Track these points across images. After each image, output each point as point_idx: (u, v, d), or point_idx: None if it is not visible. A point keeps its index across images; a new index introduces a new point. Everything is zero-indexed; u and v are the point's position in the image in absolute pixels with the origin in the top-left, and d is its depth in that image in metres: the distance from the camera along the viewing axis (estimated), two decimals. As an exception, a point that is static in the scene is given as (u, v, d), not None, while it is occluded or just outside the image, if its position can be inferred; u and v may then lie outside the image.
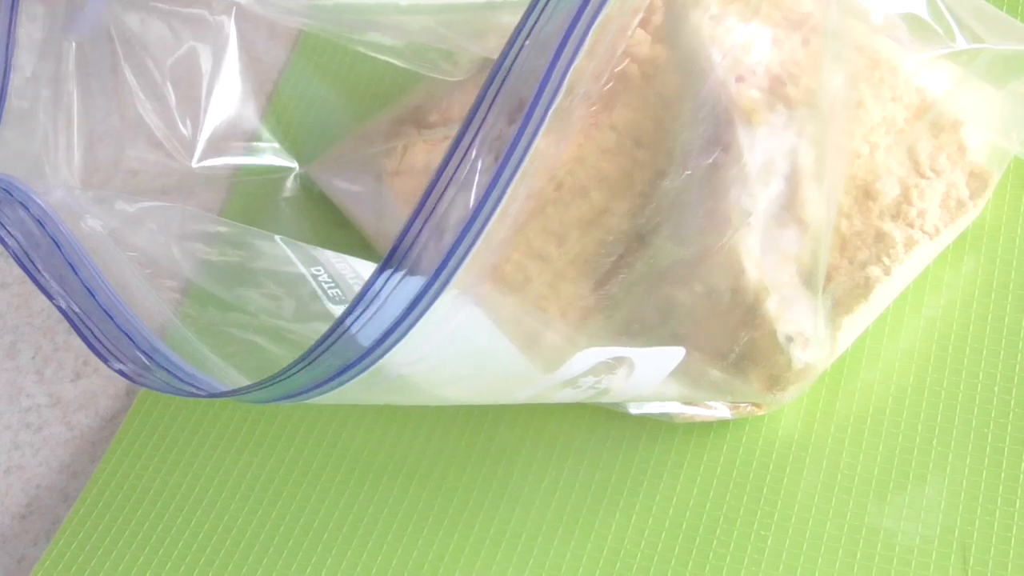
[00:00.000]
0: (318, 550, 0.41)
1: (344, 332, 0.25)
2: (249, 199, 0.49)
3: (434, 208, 0.25)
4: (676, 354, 0.35)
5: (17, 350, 0.49)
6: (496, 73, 0.25)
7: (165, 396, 0.46)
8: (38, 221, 0.32)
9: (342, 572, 0.40)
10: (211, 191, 0.48)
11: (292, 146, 0.50)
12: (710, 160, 0.34)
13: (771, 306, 0.36)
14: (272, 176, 0.49)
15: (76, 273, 0.31)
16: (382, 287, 0.25)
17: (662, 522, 0.39)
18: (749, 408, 0.40)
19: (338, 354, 0.26)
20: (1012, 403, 0.39)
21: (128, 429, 0.45)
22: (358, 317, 0.25)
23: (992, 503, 0.37)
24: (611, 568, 0.39)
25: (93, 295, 0.31)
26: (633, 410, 0.41)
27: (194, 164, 0.45)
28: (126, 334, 0.30)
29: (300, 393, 0.27)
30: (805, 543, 0.38)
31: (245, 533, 0.42)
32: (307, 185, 0.49)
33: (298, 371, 0.26)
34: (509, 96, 0.25)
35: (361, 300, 0.25)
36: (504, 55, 0.25)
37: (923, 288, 0.42)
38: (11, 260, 0.51)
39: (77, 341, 0.49)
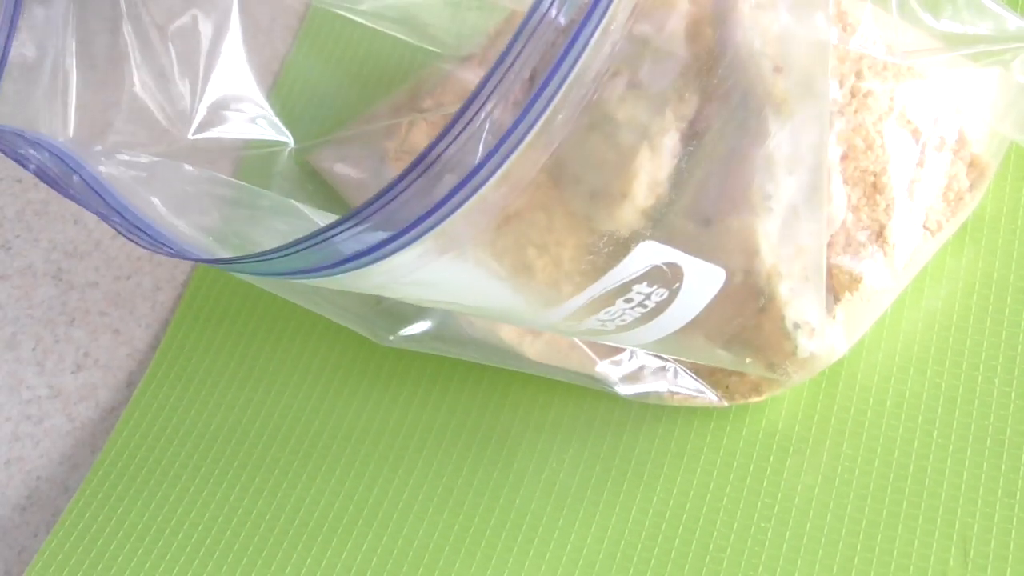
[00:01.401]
0: (318, 541, 0.41)
1: (328, 239, 0.28)
2: (243, 173, 0.49)
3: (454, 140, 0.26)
4: (718, 277, 0.35)
5: (18, 342, 0.49)
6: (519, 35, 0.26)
7: (165, 388, 0.46)
8: (58, 157, 0.32)
9: (343, 561, 0.40)
10: (202, 163, 0.48)
11: (291, 125, 0.49)
12: (738, 143, 0.35)
13: (783, 291, 0.36)
14: (266, 150, 0.48)
15: (103, 199, 0.32)
16: (368, 214, 0.27)
17: (663, 513, 0.39)
18: (748, 397, 0.40)
19: (320, 254, 0.28)
20: (1013, 395, 0.39)
21: (128, 421, 0.45)
22: (345, 230, 0.27)
23: (992, 495, 0.37)
24: (613, 555, 0.39)
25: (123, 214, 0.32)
26: (622, 390, 0.41)
27: (189, 136, 0.45)
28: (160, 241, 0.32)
29: (284, 273, 0.30)
30: (806, 535, 0.38)
31: (245, 525, 0.42)
32: (300, 162, 0.49)
33: (282, 256, 0.29)
34: (529, 63, 0.26)
35: (354, 216, 0.27)
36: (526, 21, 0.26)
37: (923, 279, 0.42)
38: (11, 252, 0.51)
39: (78, 333, 0.49)
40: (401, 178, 0.27)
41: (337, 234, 0.27)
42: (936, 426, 0.39)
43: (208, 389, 0.45)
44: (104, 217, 0.32)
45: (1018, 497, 0.37)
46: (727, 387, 0.40)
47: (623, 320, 0.35)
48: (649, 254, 0.33)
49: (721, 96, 0.34)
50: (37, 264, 0.51)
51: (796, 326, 0.37)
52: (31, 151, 0.33)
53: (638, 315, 0.34)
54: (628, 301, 0.34)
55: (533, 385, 0.43)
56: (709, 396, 0.40)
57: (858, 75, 0.39)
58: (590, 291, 0.33)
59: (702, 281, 0.35)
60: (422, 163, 0.26)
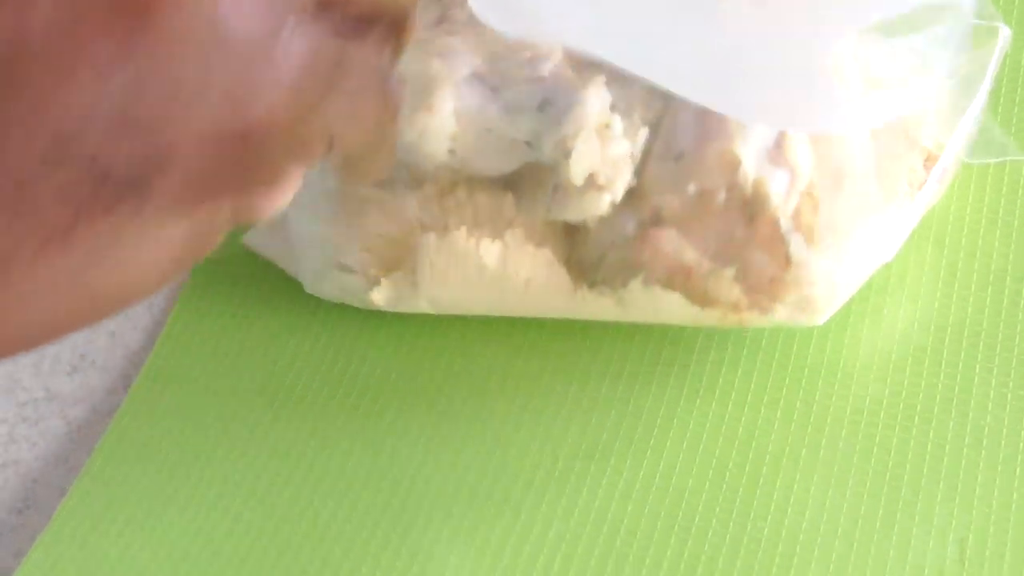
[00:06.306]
0: (312, 539, 0.41)
1: None
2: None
3: None
4: None
5: (14, 344, 0.49)
6: None
7: (159, 390, 0.46)
8: None
9: (338, 559, 0.40)
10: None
11: None
12: None
13: (773, 190, 0.36)
14: None
15: None
16: None
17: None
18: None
19: None
20: (1009, 396, 0.39)
21: (121, 421, 0.45)
22: None
23: (989, 495, 0.37)
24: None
25: None
26: None
27: None
28: None
29: None
30: (801, 534, 0.38)
31: (238, 524, 0.42)
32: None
33: None
34: None
35: None
36: None
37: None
38: (8, 254, 0.52)
39: (73, 335, 0.49)
40: None
41: None
42: (932, 426, 0.39)
43: (202, 391, 0.46)
44: None
45: (1014, 497, 0.37)
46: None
47: None
48: None
49: None
50: (34, 266, 0.51)
51: (791, 229, 0.37)
52: None
53: None
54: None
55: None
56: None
57: None
58: None
59: None
60: None
